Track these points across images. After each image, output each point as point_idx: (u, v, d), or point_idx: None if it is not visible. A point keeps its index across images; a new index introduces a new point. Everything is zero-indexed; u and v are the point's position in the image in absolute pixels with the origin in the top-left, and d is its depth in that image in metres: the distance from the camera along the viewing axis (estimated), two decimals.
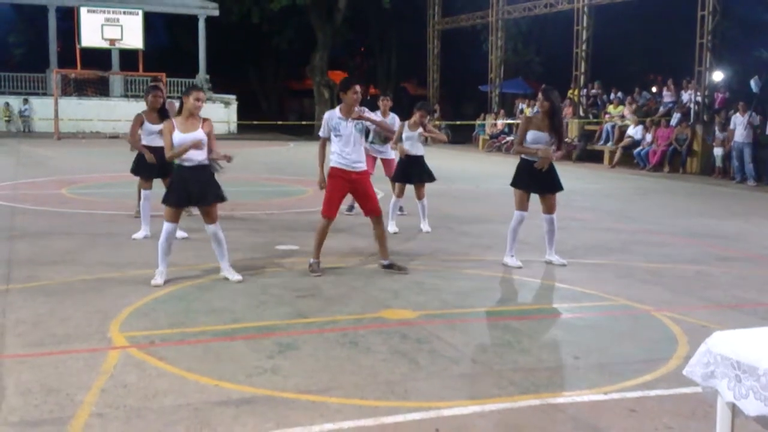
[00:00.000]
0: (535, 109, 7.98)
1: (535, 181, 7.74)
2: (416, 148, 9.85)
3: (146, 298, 6.23)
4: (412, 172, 9.88)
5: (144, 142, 9.21)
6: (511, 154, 8.18)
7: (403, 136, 9.76)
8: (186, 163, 6.76)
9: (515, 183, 7.84)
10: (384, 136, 9.86)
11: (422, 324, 5.72)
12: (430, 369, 4.74)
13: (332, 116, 7.27)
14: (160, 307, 6.02)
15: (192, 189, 6.75)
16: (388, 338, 5.33)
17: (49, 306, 5.94)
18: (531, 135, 7.67)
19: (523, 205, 7.78)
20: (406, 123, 9.88)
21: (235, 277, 6.90)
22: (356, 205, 7.95)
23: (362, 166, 7.34)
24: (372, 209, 7.41)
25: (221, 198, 6.92)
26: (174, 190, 6.80)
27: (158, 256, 6.81)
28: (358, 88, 7.22)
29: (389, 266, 7.46)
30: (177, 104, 7.65)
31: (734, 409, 2.76)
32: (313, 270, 7.27)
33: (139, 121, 9.23)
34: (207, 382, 4.41)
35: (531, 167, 7.70)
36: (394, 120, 10.40)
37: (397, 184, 10.01)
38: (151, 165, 9.08)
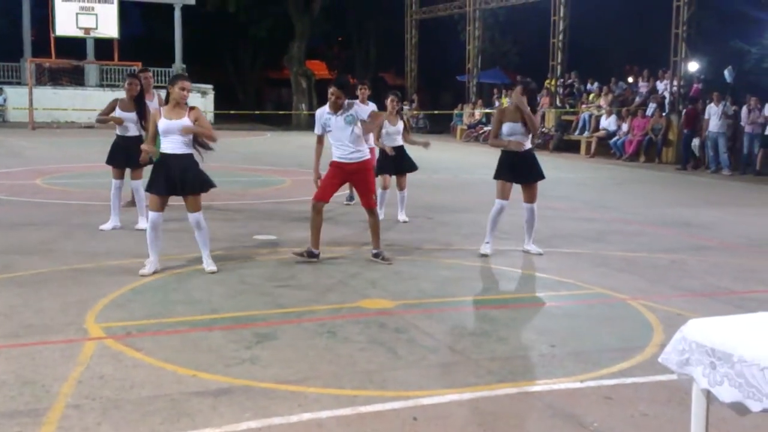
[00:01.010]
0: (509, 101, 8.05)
1: (518, 171, 7.81)
2: (396, 140, 9.84)
3: (123, 289, 6.18)
4: (394, 163, 9.86)
5: (118, 131, 9.08)
6: (488, 145, 8.18)
7: (383, 131, 9.69)
8: (167, 151, 6.72)
9: (496, 174, 7.89)
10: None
11: (400, 313, 5.73)
12: (408, 358, 4.75)
13: (322, 113, 7.42)
14: (137, 297, 5.99)
15: (176, 177, 6.71)
16: (366, 328, 5.33)
17: (23, 297, 5.88)
18: (506, 127, 7.72)
19: (504, 194, 7.83)
20: (385, 116, 9.76)
21: (210, 267, 6.86)
22: (356, 196, 8.02)
23: (359, 156, 7.38)
24: (365, 203, 7.51)
25: (211, 184, 6.92)
26: (158, 178, 6.74)
27: (147, 246, 6.78)
28: (332, 89, 7.31)
29: (376, 255, 7.49)
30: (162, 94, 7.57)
31: (709, 396, 2.78)
32: (296, 252, 7.35)
33: (111, 105, 9.08)
34: (184, 372, 4.39)
35: (512, 158, 7.76)
36: (372, 108, 10.37)
37: (381, 176, 9.97)
38: (124, 154, 8.95)
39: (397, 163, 9.91)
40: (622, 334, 5.42)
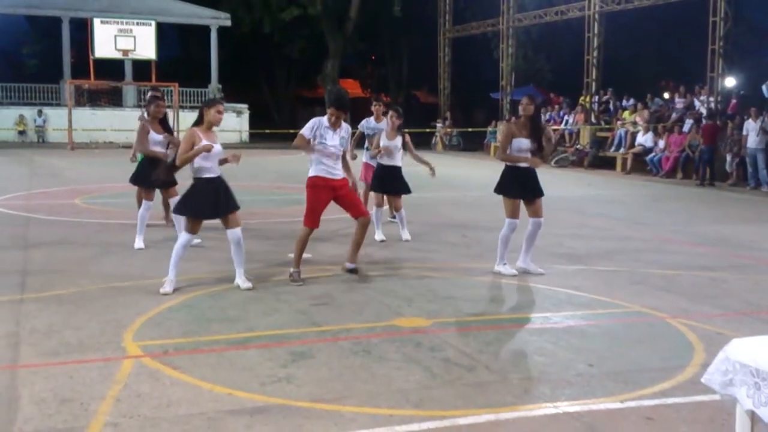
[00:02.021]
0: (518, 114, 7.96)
1: (522, 187, 7.76)
2: (394, 159, 9.56)
3: (160, 308, 6.23)
4: (389, 182, 9.65)
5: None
6: (498, 160, 8.13)
7: (381, 144, 9.54)
8: (208, 174, 6.81)
9: (504, 191, 7.82)
10: (373, 154, 9.80)
11: (436, 332, 5.70)
12: (444, 377, 4.72)
13: (321, 123, 7.20)
14: (174, 316, 6.03)
15: (219, 199, 6.83)
16: (402, 346, 5.31)
17: (62, 315, 5.95)
18: (516, 142, 7.69)
19: (515, 213, 7.76)
20: (384, 132, 9.60)
21: (246, 284, 6.91)
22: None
23: (341, 173, 7.29)
24: (360, 213, 7.39)
25: (239, 205, 7.05)
26: (198, 202, 6.81)
27: (170, 264, 6.82)
28: (332, 111, 7.14)
29: (353, 271, 7.46)
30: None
31: (753, 417, 2.73)
32: (294, 279, 7.24)
33: (146, 131, 9.17)
34: (221, 390, 4.40)
35: (517, 174, 7.72)
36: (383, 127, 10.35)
37: (375, 194, 9.86)
38: (150, 175, 9.05)
39: (392, 183, 9.63)
40: (661, 353, 5.33)
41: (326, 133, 7.16)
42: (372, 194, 9.97)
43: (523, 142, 7.67)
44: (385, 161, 9.58)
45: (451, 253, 9.04)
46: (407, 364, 4.94)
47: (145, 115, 9.38)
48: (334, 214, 11.22)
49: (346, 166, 7.43)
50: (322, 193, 7.23)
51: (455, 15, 34.48)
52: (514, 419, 4.09)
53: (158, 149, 9.12)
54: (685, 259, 8.90)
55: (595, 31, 25.65)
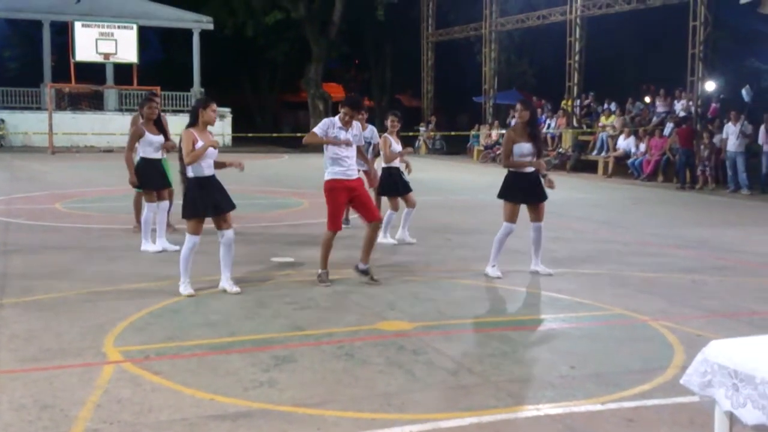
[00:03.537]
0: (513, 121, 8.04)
1: (524, 192, 7.80)
2: (397, 161, 9.77)
3: (141, 312, 6.20)
4: (398, 183, 9.79)
5: (142, 153, 9.15)
6: (503, 167, 8.15)
7: (395, 150, 9.65)
8: (206, 173, 6.82)
9: (505, 196, 7.87)
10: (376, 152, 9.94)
11: (419, 335, 5.71)
12: (426, 380, 4.72)
13: (334, 122, 7.34)
14: (155, 320, 6.00)
15: (216, 197, 6.85)
16: (385, 350, 5.31)
17: (43, 321, 5.91)
18: (517, 148, 7.74)
19: (513, 218, 7.81)
20: (391, 136, 9.71)
21: (234, 288, 6.90)
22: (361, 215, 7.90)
23: (356, 173, 7.42)
24: (374, 216, 7.47)
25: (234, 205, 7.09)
26: (196, 202, 6.81)
27: (181, 269, 6.85)
28: (345, 110, 7.30)
29: (365, 272, 7.45)
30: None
31: (732, 418, 2.75)
32: (322, 280, 7.30)
33: (138, 135, 9.13)
34: (203, 396, 4.38)
35: (519, 179, 7.76)
36: (372, 132, 10.44)
37: (390, 199, 9.92)
38: (152, 175, 9.05)
39: (402, 183, 9.81)
40: (642, 355, 5.37)
41: (339, 133, 7.28)
42: (384, 199, 10.04)
43: (525, 147, 7.74)
44: (390, 164, 9.75)
45: (434, 256, 9.05)
46: (390, 367, 4.94)
47: (140, 117, 9.30)
48: (320, 218, 11.20)
49: (364, 158, 7.82)
50: (340, 195, 7.31)
51: (438, 19, 34.55)
52: (497, 422, 4.11)
53: (153, 151, 9.07)
54: (666, 262, 8.96)
55: (577, 36, 25.79)
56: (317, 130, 7.33)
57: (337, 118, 7.38)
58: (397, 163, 9.77)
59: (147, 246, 8.90)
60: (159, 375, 4.72)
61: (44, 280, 7.38)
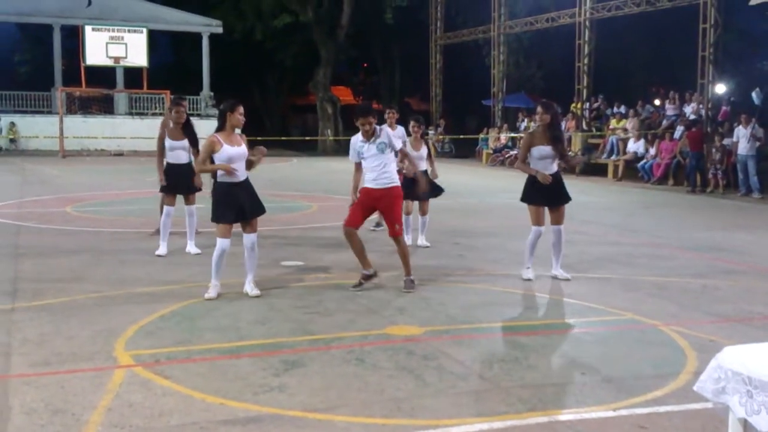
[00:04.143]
0: (535, 124, 8.06)
1: (545, 194, 7.80)
2: (420, 165, 9.76)
3: (152, 316, 6.21)
4: (416, 188, 9.82)
5: (168, 159, 9.15)
6: (515, 168, 8.13)
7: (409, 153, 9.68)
8: (230, 179, 6.83)
9: (527, 199, 7.91)
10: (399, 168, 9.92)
11: (428, 340, 5.70)
12: (437, 386, 4.71)
13: (356, 141, 7.44)
14: (166, 325, 6.01)
15: (245, 203, 6.89)
16: (395, 355, 5.30)
17: (54, 325, 5.92)
18: (536, 151, 7.73)
19: (539, 221, 7.84)
20: (408, 142, 9.77)
21: (254, 291, 6.96)
22: (383, 222, 8.03)
23: (386, 182, 7.34)
24: (392, 231, 7.46)
25: (265, 209, 7.18)
26: (226, 207, 6.84)
27: (212, 271, 6.90)
28: (360, 120, 7.27)
29: (409, 283, 7.41)
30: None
31: (746, 425, 2.73)
32: (367, 278, 7.35)
33: (160, 138, 9.12)
34: (213, 400, 4.39)
35: (539, 182, 7.75)
36: (401, 132, 10.40)
37: (406, 202, 9.94)
38: (175, 180, 9.07)
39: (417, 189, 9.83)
40: (654, 361, 5.34)
41: (362, 149, 7.35)
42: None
43: (544, 150, 7.74)
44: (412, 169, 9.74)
45: (444, 260, 9.04)
46: (400, 372, 4.93)
47: (170, 122, 9.28)
48: (329, 221, 11.21)
49: (409, 159, 8.23)
50: (363, 199, 7.41)
51: (447, 22, 34.53)
52: (507, 428, 4.09)
53: (176, 156, 9.07)
54: (677, 266, 8.92)
55: (586, 38, 25.73)
56: (351, 157, 7.52)
57: (359, 133, 7.39)
58: (423, 166, 9.83)
59: (159, 250, 8.92)
60: (170, 379, 4.73)
61: (55, 283, 7.40)
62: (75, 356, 5.17)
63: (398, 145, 7.48)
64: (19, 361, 5.06)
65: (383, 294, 7.18)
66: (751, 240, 11.21)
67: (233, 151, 6.81)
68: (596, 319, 6.48)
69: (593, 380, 4.88)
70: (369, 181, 7.37)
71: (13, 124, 31.48)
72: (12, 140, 31.33)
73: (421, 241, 9.92)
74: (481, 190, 18.33)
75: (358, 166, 7.52)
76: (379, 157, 7.29)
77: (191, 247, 9.04)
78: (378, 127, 7.36)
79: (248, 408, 4.29)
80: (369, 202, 7.44)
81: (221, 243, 6.88)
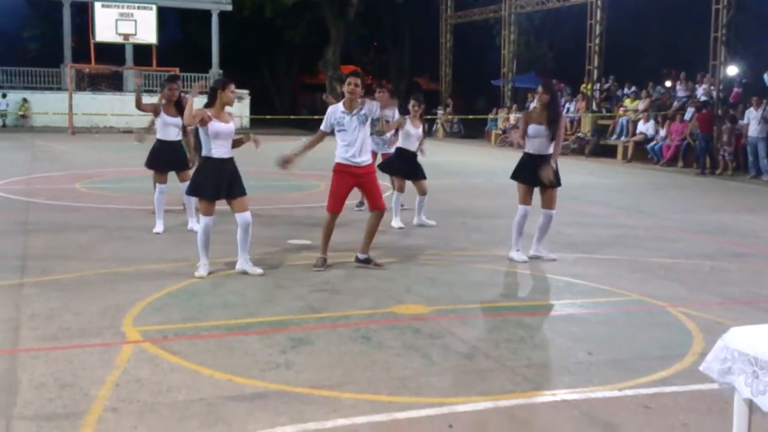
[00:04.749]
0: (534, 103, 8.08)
1: (534, 174, 7.74)
2: (413, 145, 9.75)
3: (159, 293, 6.24)
4: (411, 167, 9.79)
5: (159, 135, 9.18)
6: (522, 149, 8.07)
7: (404, 131, 9.60)
8: (215, 155, 6.79)
9: (516, 176, 7.88)
10: (378, 128, 9.76)
11: (435, 319, 5.71)
12: (443, 364, 4.73)
13: (335, 110, 7.23)
14: (174, 301, 6.04)
15: (226, 180, 6.83)
16: (401, 333, 5.32)
17: (63, 300, 5.96)
18: (531, 129, 7.73)
19: (526, 200, 7.81)
20: (408, 117, 9.70)
21: (256, 270, 6.94)
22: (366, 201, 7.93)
23: (366, 160, 7.29)
24: (377, 205, 7.37)
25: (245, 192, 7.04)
26: (208, 183, 6.81)
27: (198, 249, 6.88)
28: (351, 79, 7.14)
29: (365, 261, 7.38)
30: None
31: (752, 406, 2.73)
32: (316, 265, 7.25)
33: (154, 108, 9.13)
34: (220, 376, 4.41)
35: (532, 161, 7.73)
36: (394, 112, 10.35)
37: (396, 179, 9.93)
38: (166, 158, 9.08)
39: (412, 168, 9.80)
40: (660, 341, 5.34)
41: (342, 119, 7.16)
42: (393, 179, 10.00)
43: (539, 129, 7.72)
44: (406, 146, 9.72)
45: (451, 240, 9.04)
46: (406, 351, 4.95)
47: (162, 98, 9.31)
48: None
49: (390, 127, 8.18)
50: (343, 179, 7.25)
51: (457, 1, 34.34)
52: (513, 407, 4.10)
53: (166, 132, 9.09)
54: (685, 248, 8.90)
55: (597, 18, 25.52)
56: (322, 126, 7.28)
57: (341, 103, 7.22)
58: (413, 147, 9.74)
59: (156, 227, 8.95)
60: (177, 355, 4.75)
61: (64, 260, 7.44)
62: (83, 331, 5.21)
63: (377, 112, 7.30)
64: (28, 336, 5.10)
65: (390, 273, 7.19)
66: (760, 222, 11.17)
67: (221, 127, 6.76)
68: (603, 300, 6.48)
69: (599, 360, 4.89)
70: (347, 158, 7.16)
71: (25, 100, 31.54)
72: (23, 116, 31.39)
73: (420, 219, 9.86)
74: (489, 170, 18.27)
75: (322, 137, 7.30)
76: (359, 129, 7.12)
77: (193, 224, 9.03)
78: (360, 99, 7.18)
79: (255, 384, 4.31)
80: (351, 182, 7.31)
81: (204, 220, 6.85)
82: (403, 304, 6.12)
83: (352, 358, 4.78)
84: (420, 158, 9.87)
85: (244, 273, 6.93)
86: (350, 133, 7.15)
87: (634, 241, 9.21)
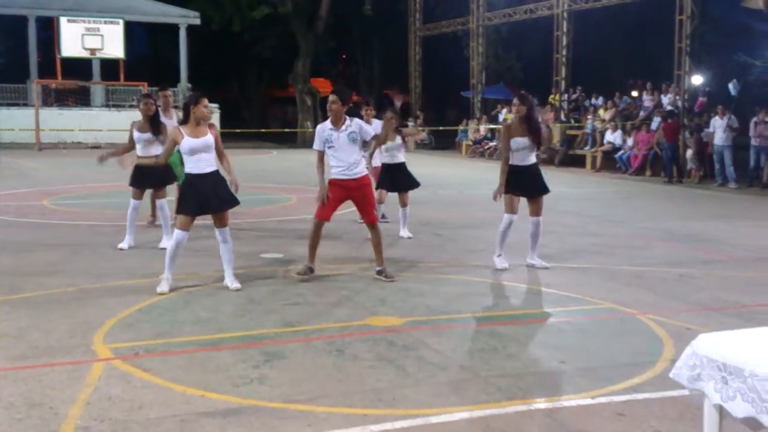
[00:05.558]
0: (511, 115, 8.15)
1: (523, 184, 7.86)
2: (396, 157, 9.88)
3: (130, 309, 6.18)
4: (396, 179, 9.90)
5: (138, 152, 9.07)
6: (494, 159, 8.18)
7: (382, 147, 9.70)
8: (196, 171, 6.75)
9: (505, 188, 7.93)
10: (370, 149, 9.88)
11: (409, 330, 5.71)
12: (417, 376, 4.73)
13: (324, 128, 7.32)
14: (145, 317, 5.98)
15: (209, 196, 6.78)
16: (375, 345, 5.31)
17: (31, 318, 5.88)
18: (514, 142, 7.81)
19: (512, 208, 7.89)
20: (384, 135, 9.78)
21: (234, 285, 6.90)
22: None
23: (359, 172, 7.35)
24: (368, 219, 7.49)
25: (237, 201, 7.05)
26: (190, 199, 6.76)
27: (165, 263, 6.80)
28: (331, 97, 7.24)
29: (378, 273, 7.46)
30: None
31: (722, 411, 2.76)
32: (299, 272, 7.30)
33: (129, 145, 9.05)
34: (193, 392, 4.37)
35: (518, 171, 7.80)
36: (378, 127, 10.40)
37: (380, 191, 9.99)
38: (142, 176, 8.98)
39: (398, 180, 9.92)
40: (632, 349, 5.39)
41: (331, 137, 7.23)
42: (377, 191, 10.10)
43: (521, 141, 7.82)
44: (389, 160, 9.86)
45: (424, 251, 9.06)
46: (380, 363, 4.95)
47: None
48: (308, 214, 11.18)
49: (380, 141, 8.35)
50: (336, 190, 7.31)
51: (426, 13, 34.50)
52: (487, 417, 4.12)
53: (141, 147, 8.98)
54: (654, 256, 9.00)
55: (564, 30, 25.80)
56: (315, 145, 7.38)
57: (328, 121, 7.32)
58: (401, 158, 9.91)
59: (122, 243, 8.86)
60: (149, 372, 4.71)
61: (33, 277, 7.34)
62: (53, 350, 5.14)
63: (370, 132, 7.45)
64: None
65: (363, 285, 7.19)
66: (728, 229, 11.33)
67: (194, 142, 6.71)
68: (575, 309, 6.53)
69: (572, 369, 4.92)
70: (339, 172, 7.28)
71: None
72: None
73: (403, 233, 9.93)
74: (460, 181, 18.36)
75: (322, 156, 7.39)
76: (351, 146, 7.23)
77: (165, 243, 8.94)
78: (348, 117, 7.28)
79: (228, 400, 4.28)
80: (342, 194, 7.38)
81: (178, 235, 6.79)
82: (377, 316, 6.11)
83: (326, 372, 4.77)
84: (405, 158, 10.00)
85: (227, 287, 6.89)
86: (340, 151, 7.24)
87: (604, 250, 9.30)
